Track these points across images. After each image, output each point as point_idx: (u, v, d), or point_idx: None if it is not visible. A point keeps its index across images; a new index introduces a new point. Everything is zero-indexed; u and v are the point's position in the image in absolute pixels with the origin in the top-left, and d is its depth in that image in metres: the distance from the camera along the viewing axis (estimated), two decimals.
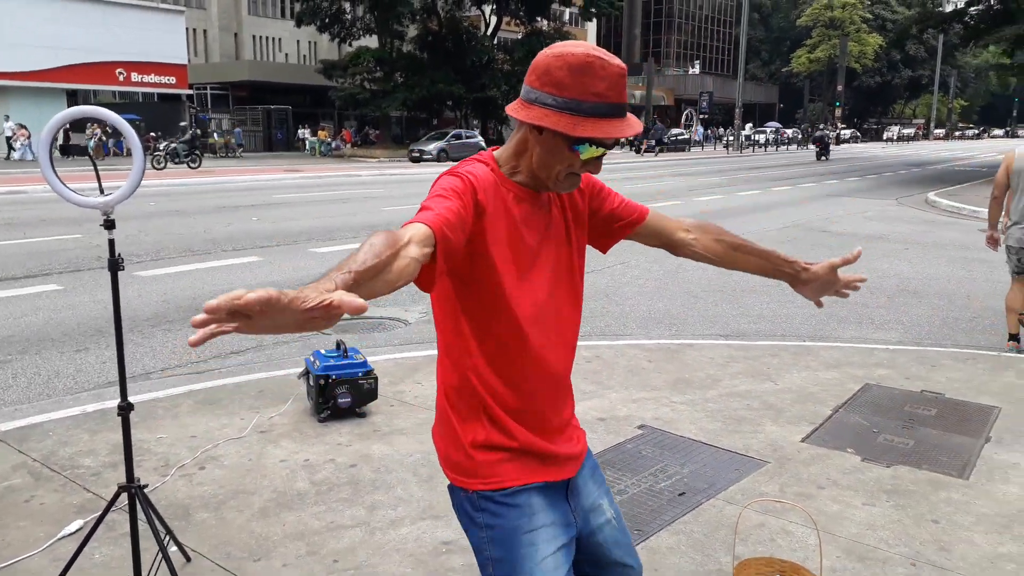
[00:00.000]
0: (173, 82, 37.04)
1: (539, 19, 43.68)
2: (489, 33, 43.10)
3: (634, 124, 1.43)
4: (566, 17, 53.53)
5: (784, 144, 52.98)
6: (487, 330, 1.50)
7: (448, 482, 1.59)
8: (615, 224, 1.69)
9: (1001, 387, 4.83)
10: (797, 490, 3.42)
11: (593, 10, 40.80)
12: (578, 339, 1.67)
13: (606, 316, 6.82)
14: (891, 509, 3.27)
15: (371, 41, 41.19)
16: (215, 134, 37.08)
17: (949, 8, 30.67)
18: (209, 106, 43.32)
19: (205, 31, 50.06)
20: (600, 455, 3.72)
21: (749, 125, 55.54)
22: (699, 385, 4.79)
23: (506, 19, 43.34)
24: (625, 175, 25.27)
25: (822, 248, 10.65)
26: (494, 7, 42.43)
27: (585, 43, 1.44)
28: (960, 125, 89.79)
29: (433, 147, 33.98)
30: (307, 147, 39.07)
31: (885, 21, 72.04)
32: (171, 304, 6.94)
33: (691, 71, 66.84)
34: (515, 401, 1.53)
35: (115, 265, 2.50)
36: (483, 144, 34.60)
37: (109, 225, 2.49)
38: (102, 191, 2.52)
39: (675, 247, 1.75)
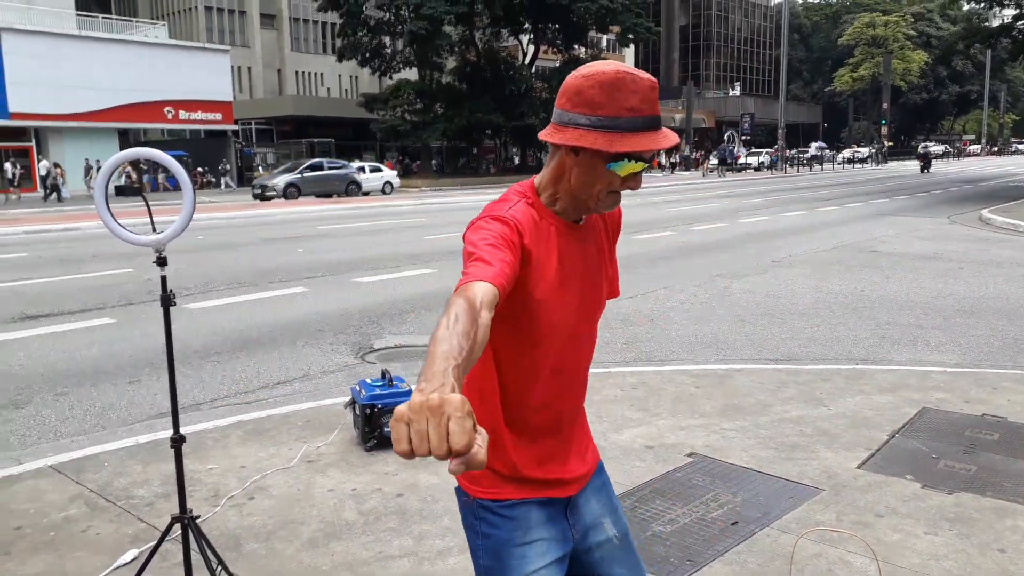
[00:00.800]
0: (219, 118, 38.20)
1: (576, 47, 44.02)
2: (527, 62, 43.55)
3: (670, 136, 1.43)
4: (603, 44, 53.87)
5: (832, 162, 52.26)
6: (514, 363, 1.51)
7: (456, 484, 1.63)
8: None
9: None
10: (854, 518, 3.31)
11: (631, 36, 40.98)
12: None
13: (651, 341, 6.75)
14: (954, 538, 3.14)
15: (411, 74, 41.96)
16: (260, 167, 38.00)
17: (996, 23, 30.11)
18: (254, 141, 44.52)
19: (250, 68, 51.59)
20: (649, 484, 3.66)
21: (815, 144, 54.88)
22: (749, 411, 4.69)
23: (543, 48, 43.76)
24: (666, 197, 25.13)
25: (874, 269, 10.42)
26: (531, 37, 42.92)
27: (613, 61, 1.44)
28: (1012, 140, 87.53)
29: (280, 181, 27.30)
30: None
31: (930, 37, 70.98)
32: (220, 336, 7.07)
33: (731, 93, 66.55)
34: (528, 434, 1.54)
35: (167, 301, 2.55)
36: (355, 177, 29.69)
37: (161, 262, 2.55)
38: (154, 228, 2.59)
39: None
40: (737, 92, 68.07)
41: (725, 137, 53.07)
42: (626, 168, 1.42)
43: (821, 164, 49.66)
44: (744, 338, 6.83)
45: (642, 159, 1.42)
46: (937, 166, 51.47)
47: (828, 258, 11.39)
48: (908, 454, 4.02)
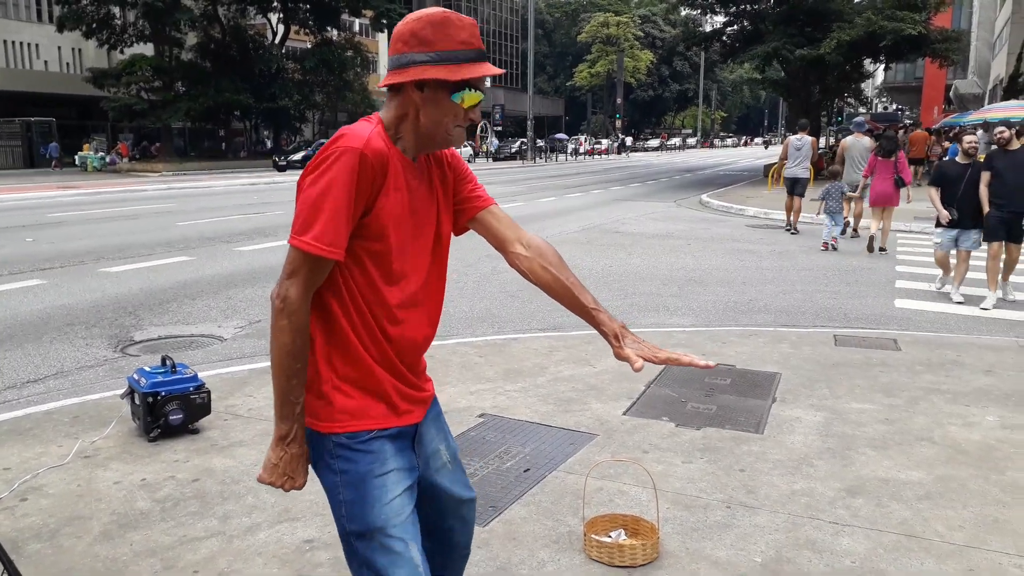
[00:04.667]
0: None
1: (329, 29, 42.99)
2: (277, 42, 41.75)
3: (493, 67, 1.62)
4: (356, 27, 53.07)
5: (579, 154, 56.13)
6: (371, 284, 1.61)
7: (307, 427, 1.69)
8: (460, 206, 1.80)
9: (779, 356, 5.57)
10: (625, 456, 3.79)
11: (384, 21, 40.80)
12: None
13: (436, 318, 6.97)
14: (706, 464, 3.72)
15: (146, 49, 38.37)
16: None
17: (709, 28, 34.12)
18: None
19: None
20: None
21: (572, 137, 58.01)
22: (528, 373, 5.09)
23: (295, 28, 42.19)
24: None
25: (618, 247, 11.52)
26: (281, 16, 41.18)
27: (432, 7, 1.63)
28: (722, 134, 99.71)
29: None
30: (77, 162, 35.64)
31: (655, 39, 78.44)
32: None
33: (484, 84, 68.87)
34: (382, 352, 1.65)
35: None
36: None
37: None
38: None
39: (506, 255, 1.81)
40: (488, 84, 70.59)
41: (479, 127, 54.78)
42: (468, 98, 1.59)
43: (567, 154, 53.14)
44: (515, 311, 7.31)
45: (478, 89, 1.60)
46: (661, 157, 57.28)
47: (579, 238, 12.39)
48: (662, 400, 4.63)
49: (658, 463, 3.72)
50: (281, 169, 34.83)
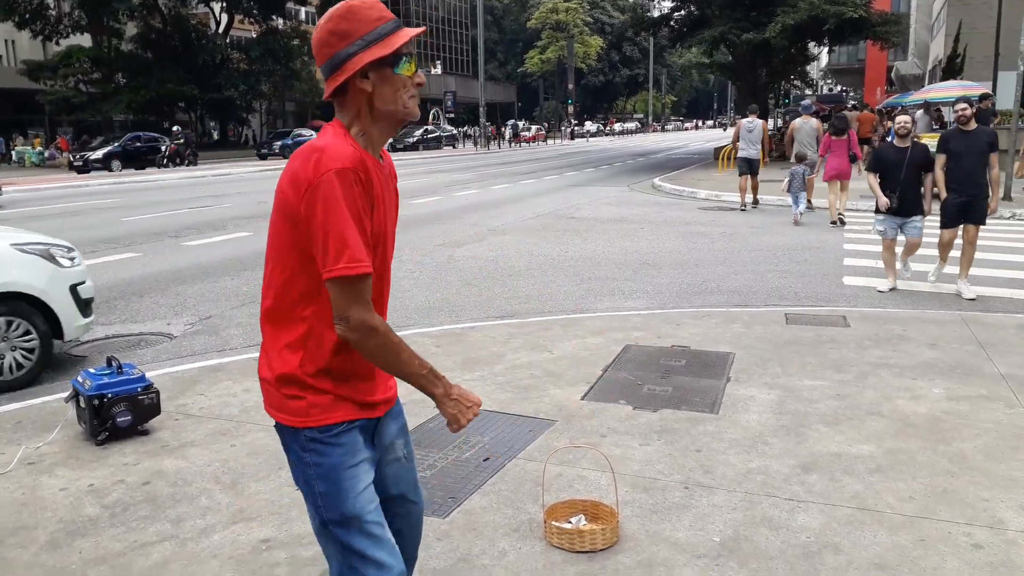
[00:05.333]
0: None
1: (275, 18, 42.16)
2: (221, 31, 40.80)
3: (413, 29, 1.65)
4: (302, 16, 52.13)
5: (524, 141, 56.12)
6: None
7: (276, 423, 1.72)
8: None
9: (732, 336, 5.65)
10: (584, 440, 3.80)
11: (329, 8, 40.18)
12: None
13: (390, 311, 6.90)
14: (663, 445, 3.75)
15: (84, 40, 37.15)
16: None
17: (657, 13, 34.31)
18: None
19: None
20: None
21: (510, 121, 57.89)
22: (486, 362, 5.07)
23: (239, 17, 41.28)
24: None
25: (574, 233, 11.55)
26: (224, 4, 40.25)
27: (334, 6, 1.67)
28: (672, 118, 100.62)
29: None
30: (14, 158, 34.41)
31: (604, 24, 78.64)
32: None
33: (434, 71, 68.25)
34: (352, 360, 1.69)
35: None
36: None
37: None
38: None
39: None
40: (439, 71, 69.98)
41: (431, 115, 54.42)
42: (407, 67, 1.64)
43: (520, 141, 53.04)
44: (472, 300, 7.28)
45: (411, 54, 1.65)
46: (614, 142, 57.57)
47: (535, 224, 12.39)
48: (619, 383, 4.66)
49: (616, 446, 3.74)
50: (263, 157, 34.93)
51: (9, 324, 4.95)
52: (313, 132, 35.15)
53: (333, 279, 1.54)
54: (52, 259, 5.20)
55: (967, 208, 6.96)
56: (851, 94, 59.34)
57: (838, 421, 4.01)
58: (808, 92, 49.05)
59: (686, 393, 4.50)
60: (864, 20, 25.14)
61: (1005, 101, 17.69)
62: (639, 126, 75.76)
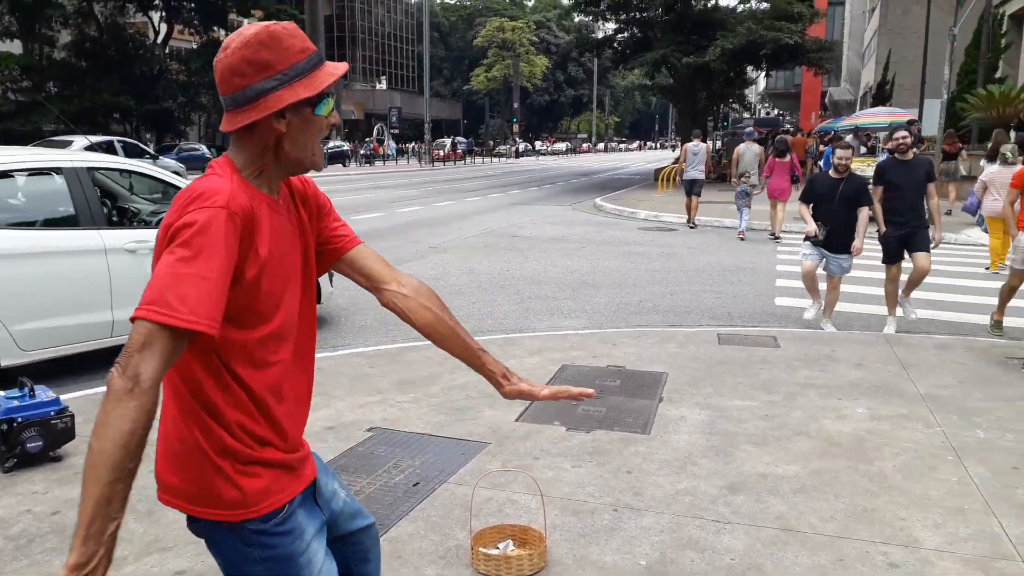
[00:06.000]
0: None
1: (216, 29, 41.44)
2: (159, 41, 39.92)
3: (341, 65, 1.51)
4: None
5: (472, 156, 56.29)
6: (246, 350, 1.45)
7: (196, 519, 1.50)
8: (324, 246, 1.65)
9: (667, 356, 5.71)
10: (517, 463, 3.78)
11: (274, 21, 39.67)
12: None
13: (323, 330, 6.79)
14: (594, 467, 3.75)
15: (13, 46, 35.88)
16: None
17: (601, 35, 34.86)
18: None
19: None
20: (333, 463, 3.76)
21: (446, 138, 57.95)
22: (422, 383, 5.02)
23: (178, 28, 40.47)
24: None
25: (515, 251, 11.58)
26: (163, 14, 39.41)
27: (247, 26, 1.44)
28: (616, 139, 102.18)
29: None
30: None
31: (550, 44, 79.58)
32: None
33: (379, 87, 67.98)
34: (272, 419, 1.50)
35: None
36: None
37: None
38: None
39: (381, 293, 1.69)
40: (384, 86, 69.75)
41: (375, 130, 54.17)
42: (328, 106, 1.47)
43: (464, 158, 53.18)
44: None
45: (331, 94, 1.47)
46: (558, 161, 58.13)
47: (477, 243, 12.39)
48: (555, 404, 4.65)
49: (549, 469, 3.72)
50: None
51: None
52: (212, 149, 33.81)
53: (142, 319, 1.27)
54: None
55: (908, 240, 6.58)
56: (787, 118, 61.24)
57: (766, 441, 4.08)
58: (746, 115, 50.43)
59: (620, 414, 4.52)
60: (799, 46, 26.05)
61: (930, 128, 18.50)
62: (569, 146, 76.12)
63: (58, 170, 5.20)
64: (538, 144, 74.21)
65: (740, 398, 4.77)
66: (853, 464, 3.78)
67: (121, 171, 6.17)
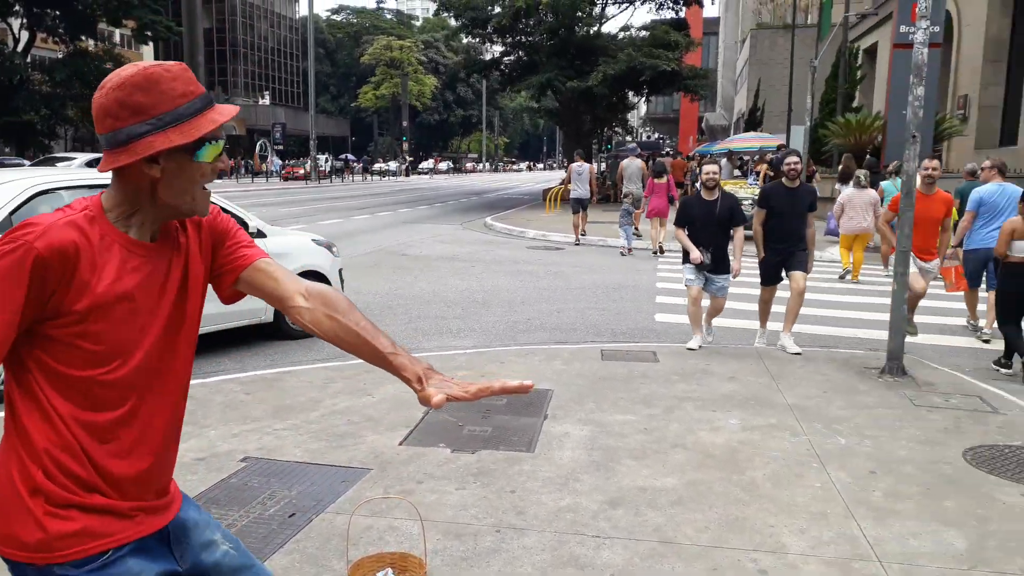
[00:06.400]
0: None
1: (84, 38, 39.24)
2: (20, 50, 37.39)
3: (229, 108, 1.42)
4: (116, 39, 48.89)
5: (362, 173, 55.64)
6: (71, 386, 1.37)
7: (8, 560, 1.40)
8: (220, 271, 1.59)
9: (553, 373, 5.77)
10: (399, 488, 3.70)
11: (149, 33, 37.91)
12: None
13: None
14: (479, 488, 3.73)
15: None
16: None
17: (489, 57, 35.26)
18: None
19: None
20: (203, 495, 3.57)
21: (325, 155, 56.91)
22: (300, 409, 4.85)
23: (42, 35, 38.05)
24: None
25: (405, 270, 11.47)
26: (24, 21, 36.98)
27: (128, 65, 1.39)
28: (506, 159, 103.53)
29: None
30: None
31: (438, 64, 79.90)
32: None
33: (262, 101, 66.21)
34: (99, 466, 1.41)
35: None
36: None
37: None
38: None
39: (287, 312, 1.59)
40: (267, 101, 68.04)
41: (257, 146, 52.66)
42: (210, 152, 1.40)
43: (352, 175, 52.53)
44: (291, 342, 6.98)
45: (217, 137, 1.40)
46: (449, 180, 58.29)
47: (367, 262, 12.19)
48: (440, 426, 4.61)
49: (432, 492, 3.67)
50: None
51: None
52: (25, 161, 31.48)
53: None
54: (330, 249, 7.75)
55: (785, 263, 6.61)
56: (667, 141, 63.80)
57: (645, 455, 4.18)
58: (628, 139, 52.25)
59: (505, 432, 4.53)
60: (676, 73, 27.26)
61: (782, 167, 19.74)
62: (451, 165, 76.27)
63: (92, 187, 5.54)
64: (426, 164, 73.95)
65: (621, 413, 4.87)
66: (726, 475, 3.92)
67: None
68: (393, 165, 62.44)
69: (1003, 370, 6.35)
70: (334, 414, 4.77)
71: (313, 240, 7.64)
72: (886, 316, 6.12)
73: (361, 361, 5.12)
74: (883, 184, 11.42)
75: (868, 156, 15.21)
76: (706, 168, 6.73)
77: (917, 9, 5.70)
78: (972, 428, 4.67)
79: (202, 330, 6.09)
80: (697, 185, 9.04)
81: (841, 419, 4.80)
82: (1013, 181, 7.82)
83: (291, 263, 6.89)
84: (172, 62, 1.42)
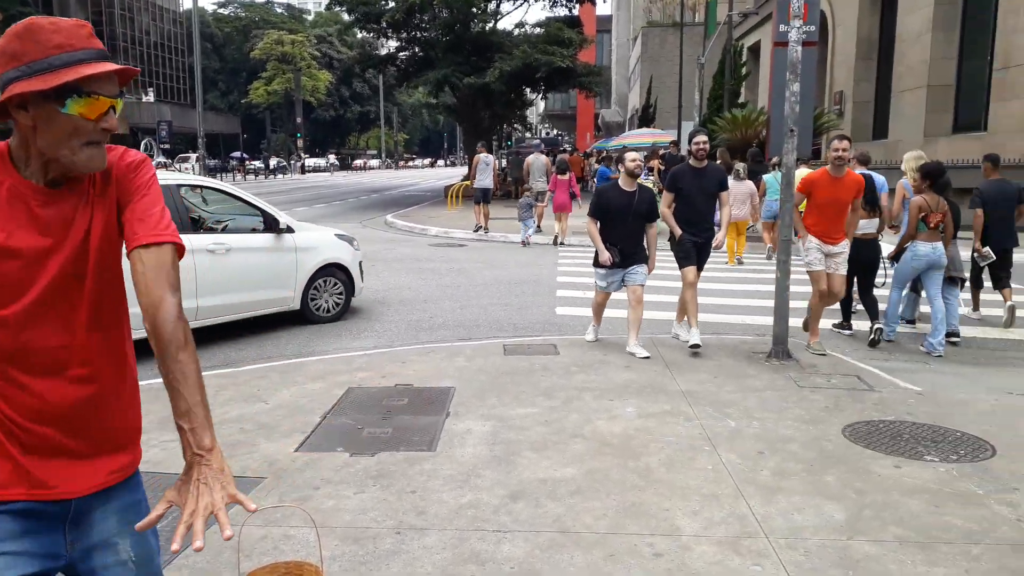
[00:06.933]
0: None
1: None
2: None
3: (103, 64, 1.40)
4: None
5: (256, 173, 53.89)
6: None
7: None
8: (123, 234, 1.51)
9: (455, 370, 5.76)
10: (295, 496, 3.60)
11: (48, 17, 35.52)
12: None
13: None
14: (378, 491, 3.67)
15: None
16: None
17: (384, 52, 34.74)
18: None
19: None
20: None
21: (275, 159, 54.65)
22: None
23: None
24: None
25: None
26: None
27: (32, 17, 1.44)
28: (407, 155, 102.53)
29: None
30: None
31: (333, 59, 78.19)
32: None
33: (145, 98, 63.05)
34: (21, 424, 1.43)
35: None
36: None
37: None
38: None
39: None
40: (151, 98, 64.88)
41: (142, 145, 50.16)
42: (77, 106, 1.38)
43: (244, 174, 50.81)
44: None
45: (100, 94, 1.39)
46: (348, 177, 57.25)
47: None
48: (338, 429, 4.51)
49: (329, 498, 3.59)
50: None
51: (327, 282, 7.90)
52: None
53: None
54: (351, 244, 8.29)
55: (700, 250, 6.52)
56: (566, 138, 64.76)
57: (545, 446, 4.22)
58: (528, 135, 52.72)
59: (406, 433, 4.48)
60: (571, 70, 27.69)
61: (687, 147, 20.43)
62: (335, 163, 74.43)
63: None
64: (316, 161, 71.87)
65: (523, 406, 4.91)
66: (623, 461, 4.01)
67: (193, 186, 7.76)
68: (274, 162, 60.48)
69: (844, 331, 7.41)
70: (225, 423, 4.59)
71: (336, 235, 8.25)
72: (772, 302, 6.41)
73: (255, 367, 4.95)
74: (765, 177, 11.99)
75: (752, 147, 15.88)
76: (631, 155, 6.45)
77: (791, 9, 5.99)
78: (850, 406, 4.95)
79: (231, 317, 7.01)
80: (596, 180, 9.28)
81: (731, 403, 4.99)
82: (883, 173, 8.34)
83: (317, 256, 7.72)
84: (72, 19, 1.44)
